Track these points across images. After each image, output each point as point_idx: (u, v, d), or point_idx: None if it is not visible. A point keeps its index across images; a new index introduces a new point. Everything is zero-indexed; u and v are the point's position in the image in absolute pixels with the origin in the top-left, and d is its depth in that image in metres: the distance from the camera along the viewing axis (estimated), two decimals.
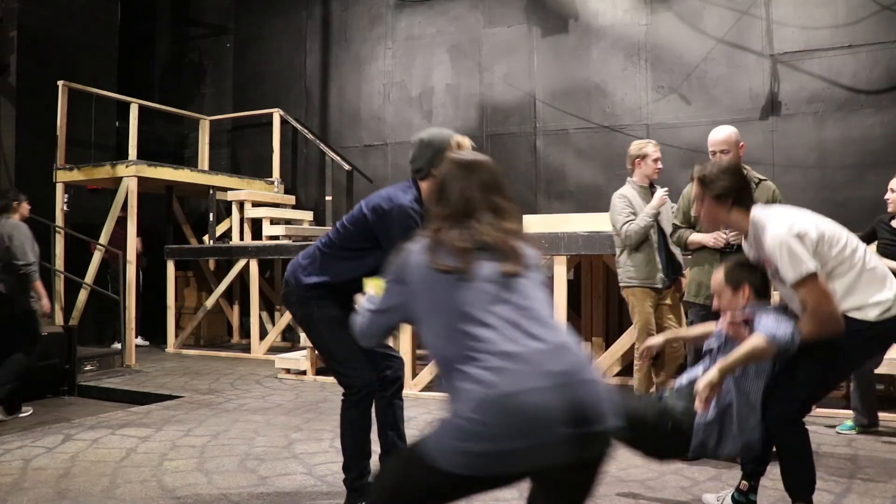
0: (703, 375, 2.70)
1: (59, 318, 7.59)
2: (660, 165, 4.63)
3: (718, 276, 2.96)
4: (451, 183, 1.96)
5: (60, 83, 7.84)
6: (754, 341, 2.65)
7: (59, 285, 7.80)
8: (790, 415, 2.83)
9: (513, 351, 1.70)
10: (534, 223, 7.17)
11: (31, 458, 4.03)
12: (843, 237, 2.78)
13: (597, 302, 6.79)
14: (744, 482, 3.06)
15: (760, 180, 3.96)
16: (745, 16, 7.33)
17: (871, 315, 2.72)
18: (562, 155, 8.11)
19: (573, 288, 6.47)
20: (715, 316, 3.83)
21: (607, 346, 6.06)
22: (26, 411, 5.50)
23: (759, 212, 2.83)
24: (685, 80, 7.55)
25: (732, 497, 3.09)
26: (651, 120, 7.64)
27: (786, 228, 2.71)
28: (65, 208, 8.10)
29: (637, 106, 7.77)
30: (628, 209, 4.48)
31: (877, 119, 6.79)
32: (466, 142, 3.08)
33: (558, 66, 8.15)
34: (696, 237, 4.00)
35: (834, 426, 4.59)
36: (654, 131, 7.44)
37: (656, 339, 3.33)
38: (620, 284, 4.60)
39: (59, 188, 8.03)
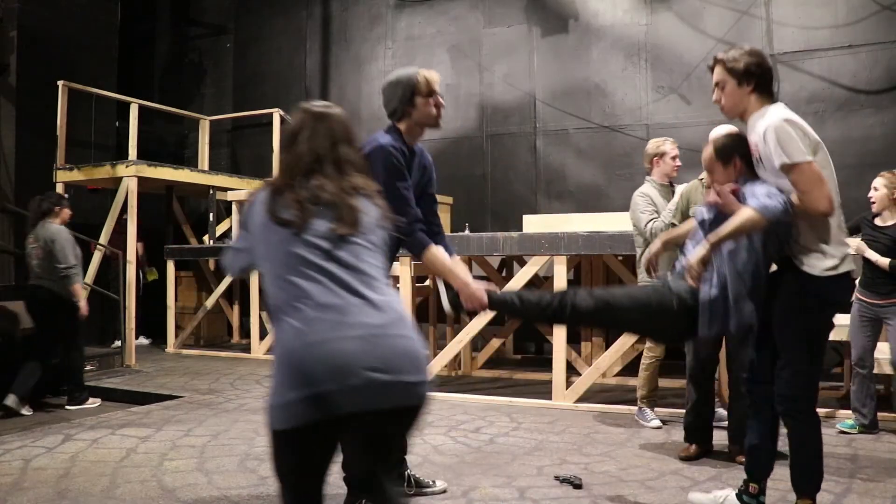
0: (694, 251, 2.71)
1: None
2: (678, 163, 4.63)
3: (708, 151, 2.93)
4: (300, 132, 2.02)
5: (60, 83, 7.83)
6: (746, 213, 2.61)
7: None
8: (802, 406, 2.81)
9: (331, 303, 1.78)
10: (534, 223, 7.17)
11: (31, 458, 4.02)
12: (831, 174, 2.72)
13: None
14: (753, 485, 3.04)
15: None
16: (745, 16, 7.33)
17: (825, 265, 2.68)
18: (562, 155, 8.11)
19: None
20: None
21: (607, 346, 6.06)
22: (27, 412, 5.53)
23: (771, 106, 2.74)
24: (685, 80, 7.56)
25: (741, 498, 3.06)
26: (651, 120, 7.64)
27: (786, 114, 2.66)
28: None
29: (637, 106, 7.77)
30: (651, 207, 4.46)
31: (877, 119, 6.79)
32: (434, 75, 3.09)
33: (558, 66, 8.15)
34: None
35: (834, 425, 4.59)
36: (654, 131, 7.44)
37: (655, 246, 3.39)
38: (639, 284, 4.52)
39: (59, 188, 8.02)
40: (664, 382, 5.32)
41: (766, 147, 2.66)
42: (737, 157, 2.85)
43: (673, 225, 4.15)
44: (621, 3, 7.90)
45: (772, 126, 2.63)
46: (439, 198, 8.19)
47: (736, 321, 2.76)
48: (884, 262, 4.38)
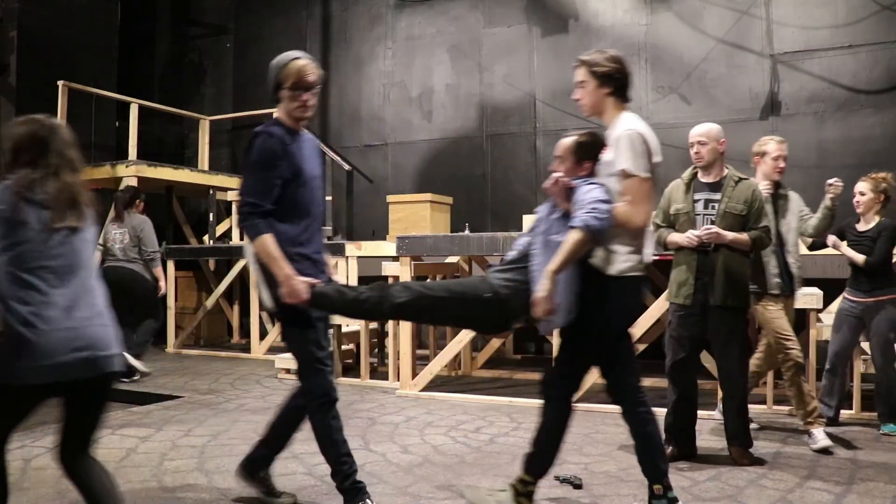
0: (538, 285, 2.76)
1: None
2: (781, 164, 4.34)
3: (568, 141, 3.03)
4: (28, 136, 2.40)
5: (60, 83, 7.84)
6: (572, 237, 2.72)
7: None
8: (626, 398, 3.02)
9: (47, 296, 2.26)
10: None
11: (31, 458, 4.02)
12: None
13: None
14: (528, 477, 3.07)
15: (740, 178, 3.91)
16: (745, 16, 7.34)
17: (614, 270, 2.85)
18: None
19: None
20: (694, 314, 3.84)
21: None
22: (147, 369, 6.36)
23: (629, 115, 2.94)
24: (685, 80, 7.56)
25: (516, 489, 3.07)
26: (651, 120, 7.60)
27: (642, 128, 2.86)
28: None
29: (637, 106, 7.77)
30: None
31: (877, 119, 6.79)
32: (308, 68, 2.96)
33: (558, 66, 8.15)
34: (673, 237, 3.95)
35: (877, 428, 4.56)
36: (653, 131, 7.43)
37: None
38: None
39: None
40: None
41: (614, 150, 2.85)
42: (590, 160, 2.98)
43: (657, 226, 4.07)
44: (621, 3, 7.90)
45: (626, 134, 2.84)
46: (440, 197, 8.18)
47: (561, 315, 2.87)
48: (859, 258, 4.46)
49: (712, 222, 3.85)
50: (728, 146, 4.01)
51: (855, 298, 4.55)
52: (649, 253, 2.96)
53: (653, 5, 7.75)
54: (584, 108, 3.01)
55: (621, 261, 2.85)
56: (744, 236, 3.81)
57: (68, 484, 3.57)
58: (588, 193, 2.80)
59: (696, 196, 3.94)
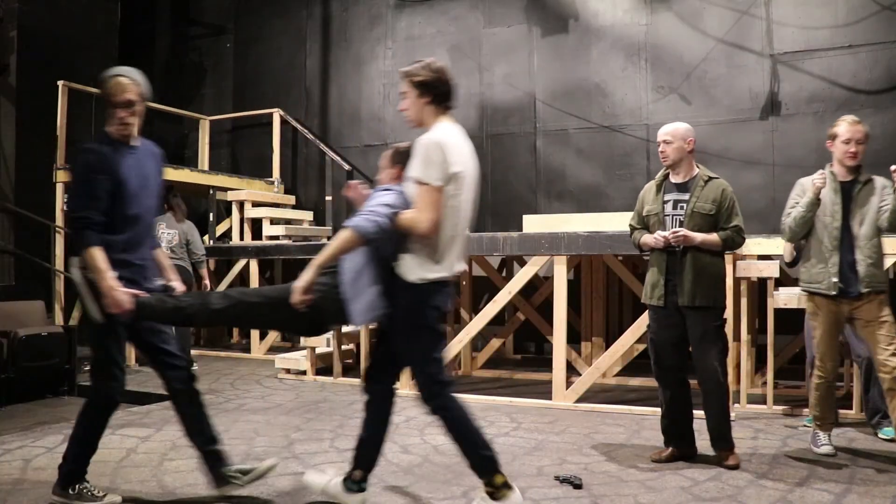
0: (300, 277, 2.88)
1: (59, 318, 7.59)
2: (852, 149, 3.88)
3: (388, 151, 3.24)
4: None
5: (60, 83, 7.83)
6: (341, 235, 2.89)
7: (59, 285, 7.79)
8: (429, 386, 3.03)
9: None
10: (534, 223, 7.17)
11: (31, 458, 4.02)
12: (466, 201, 2.99)
13: (597, 302, 6.79)
14: (357, 472, 3.19)
15: (710, 178, 3.88)
16: (745, 16, 7.33)
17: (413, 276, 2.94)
18: (562, 155, 8.11)
19: (573, 288, 6.47)
20: (669, 315, 3.85)
21: (607, 346, 6.06)
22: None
23: (445, 124, 2.99)
24: (685, 80, 7.56)
25: (345, 483, 3.20)
26: (651, 120, 7.64)
27: (442, 138, 2.91)
28: (65, 208, 8.09)
29: (637, 106, 7.77)
30: (794, 199, 4.02)
31: (877, 119, 6.78)
32: (125, 86, 3.12)
33: (558, 66, 8.15)
34: (644, 238, 3.95)
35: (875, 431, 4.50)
36: (653, 131, 7.43)
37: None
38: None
39: (59, 188, 8.02)
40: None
41: (415, 158, 2.93)
42: (401, 170, 3.10)
43: (633, 228, 4.07)
44: (621, 3, 7.90)
45: (424, 142, 2.90)
46: None
47: (361, 314, 2.99)
48: None
49: (681, 223, 3.82)
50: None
51: None
52: (454, 263, 3.02)
53: (653, 5, 7.75)
54: (408, 118, 3.08)
55: (418, 267, 2.94)
56: (713, 237, 3.77)
57: None
58: (376, 199, 2.99)
59: (666, 197, 3.93)
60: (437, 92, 2.98)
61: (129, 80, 3.12)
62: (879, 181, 3.92)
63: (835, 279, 3.85)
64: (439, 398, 3.02)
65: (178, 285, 3.41)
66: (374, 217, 2.88)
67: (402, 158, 3.13)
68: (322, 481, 3.29)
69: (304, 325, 3.41)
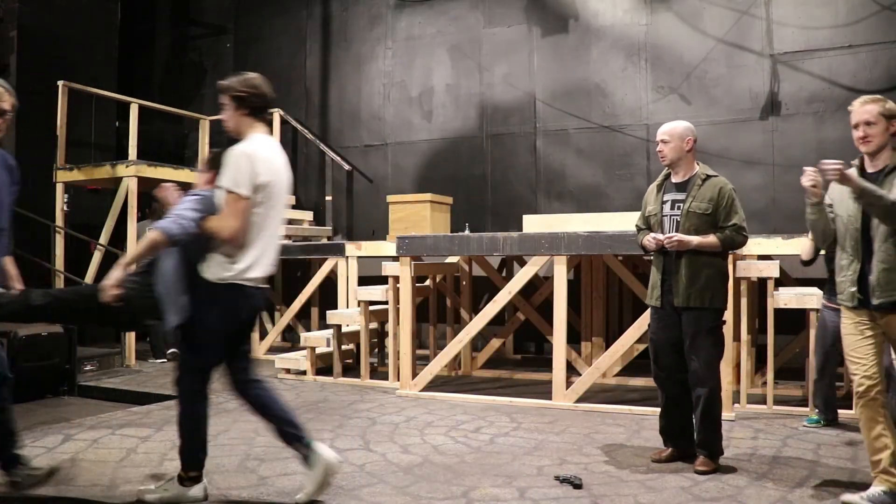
0: (108, 276, 3.04)
1: None
2: (860, 133, 3.17)
3: (207, 156, 3.45)
4: None
5: (60, 83, 7.83)
6: (148, 236, 3.05)
7: (60, 286, 7.79)
8: (189, 385, 3.22)
9: None
10: (534, 223, 7.17)
11: (32, 458, 4.02)
12: (275, 209, 3.18)
13: (597, 302, 6.79)
14: (193, 472, 3.29)
15: (708, 177, 3.86)
16: (745, 16, 7.33)
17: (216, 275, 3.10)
18: (562, 155, 8.11)
19: (573, 288, 6.47)
20: (667, 315, 3.85)
21: (607, 346, 6.06)
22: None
23: (259, 135, 3.18)
24: (685, 80, 7.56)
25: (181, 482, 3.29)
26: (651, 120, 7.64)
27: (253, 149, 3.08)
28: (65, 208, 8.10)
29: (637, 106, 7.77)
30: (829, 199, 3.37)
31: None
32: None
33: (558, 66, 8.15)
34: (643, 240, 3.96)
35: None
36: (653, 131, 7.41)
37: None
38: None
39: (59, 188, 8.03)
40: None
41: (225, 169, 3.07)
42: (215, 175, 3.22)
43: (639, 229, 4.07)
44: (621, 3, 7.90)
45: (234, 152, 3.07)
46: (440, 198, 8.20)
47: (174, 313, 3.13)
48: None
49: (678, 223, 3.81)
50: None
51: (836, 306, 4.15)
52: (257, 268, 3.15)
53: (653, 5, 7.75)
54: (227, 129, 3.25)
55: (220, 268, 3.09)
56: (711, 239, 3.75)
57: (68, 484, 3.58)
58: (184, 203, 3.15)
59: (665, 197, 3.92)
60: (253, 105, 3.18)
61: (4, 90, 3.32)
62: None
63: (853, 288, 3.20)
64: (185, 384, 3.22)
65: (19, 286, 3.54)
66: (181, 220, 3.05)
67: (216, 164, 3.24)
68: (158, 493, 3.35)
69: (116, 320, 3.63)
